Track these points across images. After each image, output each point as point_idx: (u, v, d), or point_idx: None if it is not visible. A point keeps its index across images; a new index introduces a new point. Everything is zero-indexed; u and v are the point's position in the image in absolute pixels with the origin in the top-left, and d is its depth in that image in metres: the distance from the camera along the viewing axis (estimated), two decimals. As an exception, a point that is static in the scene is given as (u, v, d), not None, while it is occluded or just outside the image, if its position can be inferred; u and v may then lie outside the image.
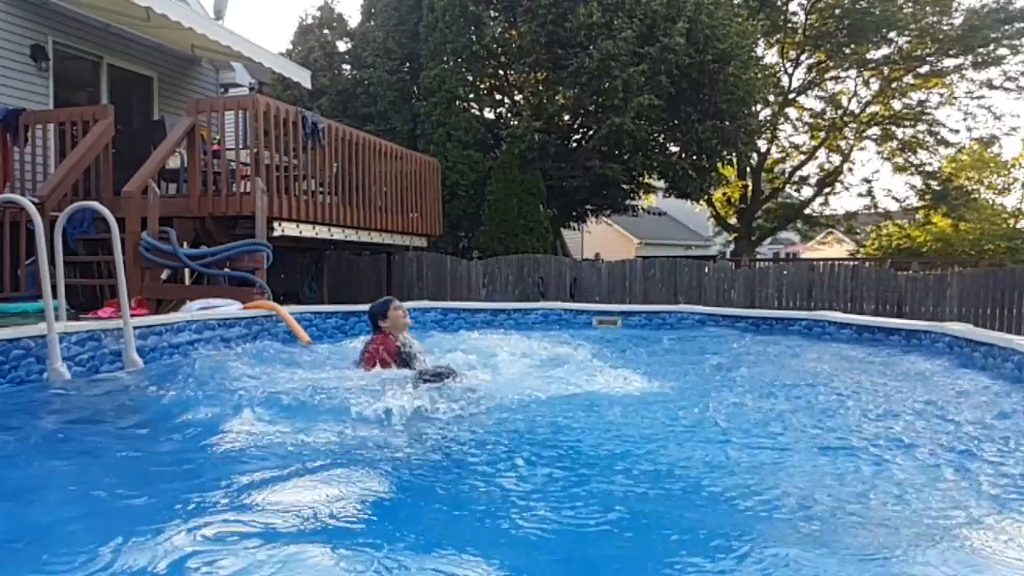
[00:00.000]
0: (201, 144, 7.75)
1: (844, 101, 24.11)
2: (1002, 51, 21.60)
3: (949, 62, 22.32)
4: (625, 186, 15.84)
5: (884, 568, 1.93)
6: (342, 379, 4.18)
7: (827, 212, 27.33)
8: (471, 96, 15.28)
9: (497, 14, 15.12)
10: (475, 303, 9.24)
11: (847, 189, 26.50)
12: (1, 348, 4.08)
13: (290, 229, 8.26)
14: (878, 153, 25.26)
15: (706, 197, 19.86)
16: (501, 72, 15.96)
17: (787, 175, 25.68)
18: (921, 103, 23.58)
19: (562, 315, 7.96)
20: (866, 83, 23.62)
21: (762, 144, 22.54)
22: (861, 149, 25.37)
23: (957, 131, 23.87)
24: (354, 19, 17.68)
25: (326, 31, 16.76)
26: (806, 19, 22.41)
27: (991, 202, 24.03)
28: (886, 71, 22.70)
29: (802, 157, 25.23)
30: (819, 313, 7.51)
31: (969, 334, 5.41)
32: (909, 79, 22.98)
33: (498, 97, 16.49)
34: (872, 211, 26.44)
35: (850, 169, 25.54)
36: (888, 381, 4.63)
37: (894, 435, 3.23)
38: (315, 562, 1.87)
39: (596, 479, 2.65)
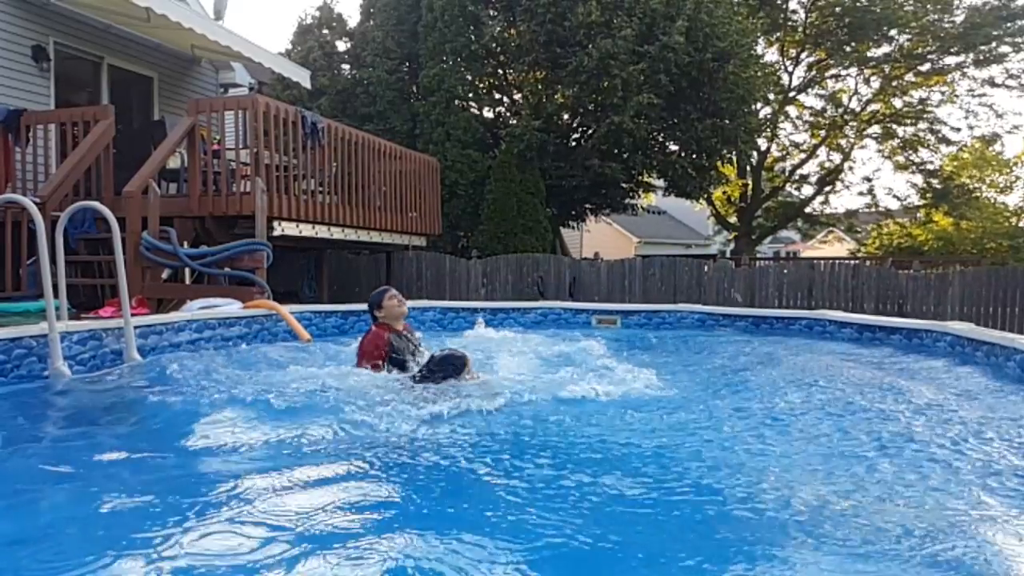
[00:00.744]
0: (201, 144, 7.76)
1: (845, 99, 24.06)
2: (1004, 49, 21.51)
3: (950, 60, 22.26)
4: (624, 185, 15.80)
5: (886, 568, 1.93)
6: (342, 378, 4.17)
7: (828, 211, 27.22)
8: (470, 95, 15.27)
9: (496, 13, 15.11)
10: (474, 302, 9.25)
11: (848, 188, 26.60)
12: (3, 347, 4.10)
13: (290, 229, 8.27)
14: (879, 151, 25.24)
15: (706, 196, 19.78)
16: (500, 71, 15.95)
17: (787, 174, 25.64)
18: (922, 101, 23.50)
19: (561, 314, 7.96)
20: (867, 81, 23.55)
21: (762, 143, 22.48)
22: (862, 147, 25.37)
23: (958, 129, 23.81)
24: (353, 19, 17.75)
25: (325, 31, 16.77)
26: (806, 17, 22.35)
27: (993, 200, 24.02)
28: (887, 69, 22.62)
29: (802, 155, 25.17)
30: (820, 312, 7.50)
31: (971, 333, 5.40)
32: (910, 77, 22.90)
33: (497, 96, 16.49)
34: (873, 210, 26.39)
35: (851, 168, 25.54)
36: (889, 380, 4.63)
37: (895, 435, 3.23)
38: (315, 562, 1.88)
39: (596, 479, 2.65)
